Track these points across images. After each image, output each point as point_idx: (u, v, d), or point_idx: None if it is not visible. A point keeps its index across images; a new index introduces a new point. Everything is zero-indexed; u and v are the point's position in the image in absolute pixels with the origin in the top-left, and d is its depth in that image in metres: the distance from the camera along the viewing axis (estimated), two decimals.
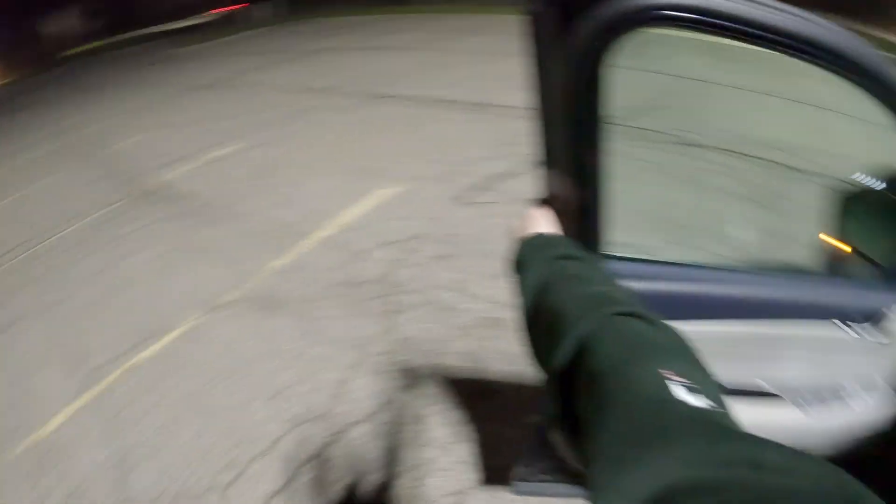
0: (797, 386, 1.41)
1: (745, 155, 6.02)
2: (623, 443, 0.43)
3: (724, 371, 1.28)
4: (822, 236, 2.03)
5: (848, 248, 1.90)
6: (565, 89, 0.94)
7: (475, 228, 3.52)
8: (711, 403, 0.45)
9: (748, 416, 1.34)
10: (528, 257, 0.85)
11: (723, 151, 5.97)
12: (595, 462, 0.45)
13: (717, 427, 0.42)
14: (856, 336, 1.32)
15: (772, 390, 1.40)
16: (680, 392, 0.46)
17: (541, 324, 0.71)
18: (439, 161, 4.52)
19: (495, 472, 2.06)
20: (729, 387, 1.33)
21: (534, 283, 0.78)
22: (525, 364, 2.42)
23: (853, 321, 1.31)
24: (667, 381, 0.47)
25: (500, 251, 3.28)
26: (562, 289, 0.72)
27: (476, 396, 2.37)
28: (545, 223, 0.99)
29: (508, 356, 2.58)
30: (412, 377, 2.45)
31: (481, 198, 3.91)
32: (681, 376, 0.48)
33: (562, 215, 1.04)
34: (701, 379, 0.50)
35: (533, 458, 1.63)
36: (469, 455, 2.11)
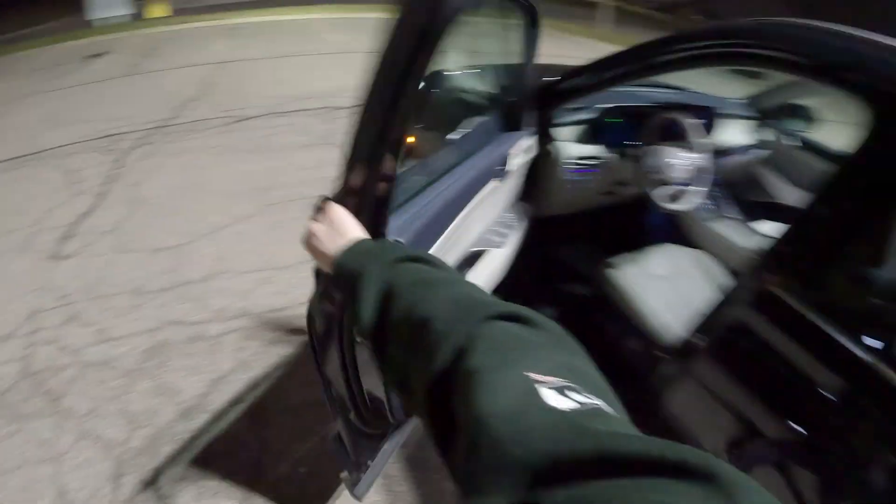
0: (492, 235, 1.97)
1: (303, 111, 6.68)
2: (483, 461, 0.42)
3: (460, 250, 1.72)
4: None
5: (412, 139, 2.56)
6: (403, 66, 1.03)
7: (82, 277, 3.40)
8: (582, 400, 0.44)
9: (485, 269, 1.96)
10: (360, 267, 0.76)
11: (281, 114, 6.53)
12: (458, 481, 0.45)
13: (580, 429, 0.40)
14: (500, 181, 1.87)
15: (485, 248, 1.91)
16: (546, 394, 0.44)
17: (396, 338, 0.66)
18: (10, 228, 4.07)
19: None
20: (466, 257, 1.77)
21: (376, 294, 0.71)
22: (218, 374, 2.59)
23: (498, 175, 1.86)
24: (534, 385, 0.46)
25: (114, 285, 3.25)
26: (418, 297, 0.66)
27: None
28: (353, 224, 0.93)
29: (195, 372, 2.71)
30: (124, 444, 2.38)
31: (70, 246, 3.74)
32: (550, 375, 0.47)
33: (359, 208, 1.01)
34: (572, 374, 0.49)
35: (348, 458, 1.69)
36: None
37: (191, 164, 5.10)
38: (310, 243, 0.92)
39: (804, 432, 1.20)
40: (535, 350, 0.53)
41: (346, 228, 0.90)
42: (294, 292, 3.32)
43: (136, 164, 5.06)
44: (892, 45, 1.23)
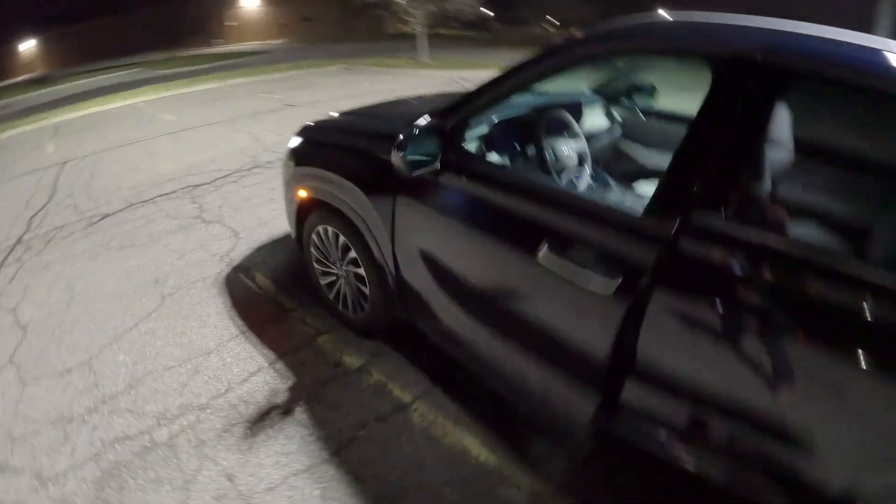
0: None
1: (164, 195, 6.48)
2: None
3: None
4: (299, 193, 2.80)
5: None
6: None
7: None
8: None
9: None
10: None
11: (142, 203, 6.29)
12: None
13: None
14: None
15: None
16: None
17: None
18: None
19: None
20: None
21: None
22: None
23: None
24: None
25: (31, 421, 3.01)
26: None
27: None
28: None
29: (162, 483, 2.57)
30: None
31: None
32: None
33: None
34: None
35: None
36: None
37: (64, 274, 4.74)
38: None
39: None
40: None
41: None
42: (229, 373, 3.24)
43: (5, 287, 4.62)
44: (721, 23, 1.74)
